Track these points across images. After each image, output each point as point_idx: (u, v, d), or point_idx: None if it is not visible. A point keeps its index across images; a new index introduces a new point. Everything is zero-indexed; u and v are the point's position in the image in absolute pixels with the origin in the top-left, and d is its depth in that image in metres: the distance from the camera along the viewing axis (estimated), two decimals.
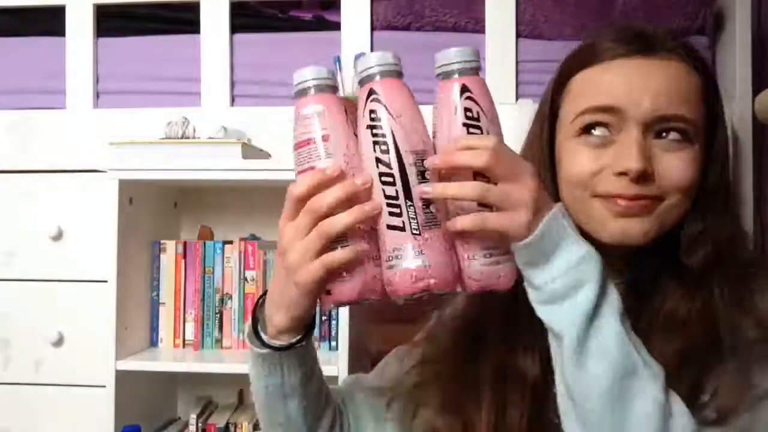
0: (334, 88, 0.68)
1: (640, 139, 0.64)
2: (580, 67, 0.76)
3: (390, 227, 0.61)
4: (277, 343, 0.72)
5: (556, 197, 0.69)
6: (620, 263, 0.68)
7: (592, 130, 0.68)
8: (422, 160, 0.63)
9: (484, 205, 0.59)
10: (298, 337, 0.71)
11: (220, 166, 1.27)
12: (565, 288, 0.57)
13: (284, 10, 1.50)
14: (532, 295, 0.60)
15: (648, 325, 0.64)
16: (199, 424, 1.36)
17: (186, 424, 1.43)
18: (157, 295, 1.40)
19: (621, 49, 0.69)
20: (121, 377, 1.26)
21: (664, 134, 0.66)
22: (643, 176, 0.63)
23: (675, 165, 0.65)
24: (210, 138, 1.32)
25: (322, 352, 1.35)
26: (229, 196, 1.53)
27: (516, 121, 1.41)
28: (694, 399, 0.60)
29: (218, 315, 1.39)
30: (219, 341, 1.40)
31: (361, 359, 1.41)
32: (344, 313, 1.23)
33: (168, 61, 1.48)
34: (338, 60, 1.39)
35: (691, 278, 0.66)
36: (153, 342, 1.40)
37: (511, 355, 0.70)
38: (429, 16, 1.43)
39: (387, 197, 0.61)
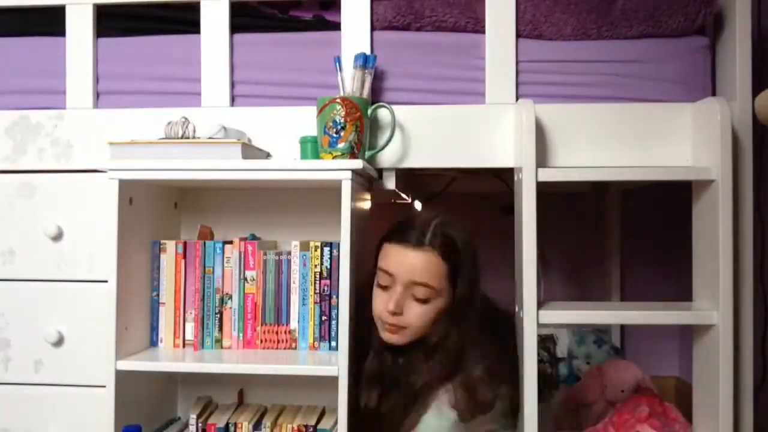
0: None
1: (400, 292, 1.23)
2: (387, 240, 1.29)
3: None
4: None
5: (371, 321, 1.30)
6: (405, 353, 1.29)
7: (383, 283, 1.26)
8: None
9: None
10: None
11: (220, 166, 1.27)
12: None
13: (284, 10, 1.50)
14: None
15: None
16: (199, 424, 1.36)
17: (186, 424, 1.43)
18: (157, 295, 1.40)
19: (403, 239, 1.25)
20: (121, 377, 1.26)
21: (417, 293, 1.23)
22: (395, 313, 1.23)
23: (415, 311, 1.24)
24: (210, 138, 1.32)
25: (322, 352, 1.35)
26: (229, 196, 1.53)
27: (516, 121, 1.43)
28: None
29: (218, 315, 1.39)
30: (219, 341, 1.40)
31: (361, 359, 1.42)
32: (344, 313, 1.23)
33: (168, 61, 1.48)
34: (338, 60, 1.39)
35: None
36: (153, 342, 1.40)
37: None
38: (429, 16, 1.43)
39: None
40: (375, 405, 1.28)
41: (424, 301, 1.23)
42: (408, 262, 1.23)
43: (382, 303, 1.25)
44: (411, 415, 1.21)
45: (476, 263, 1.30)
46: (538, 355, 1.27)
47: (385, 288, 1.26)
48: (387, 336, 1.26)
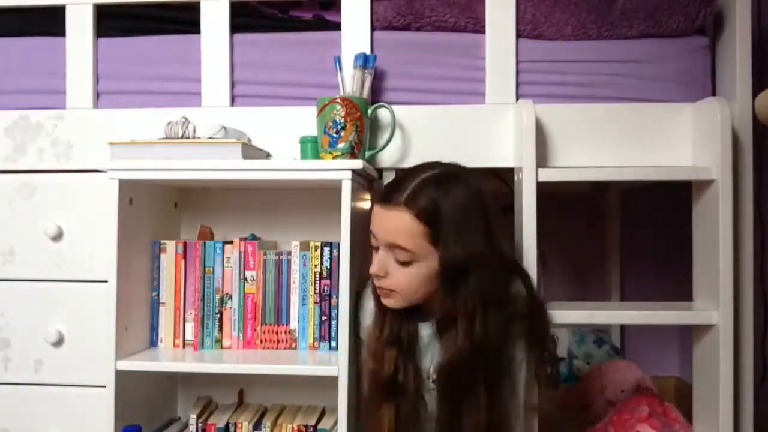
0: None
1: (383, 254, 1.15)
2: (373, 200, 1.28)
3: None
4: None
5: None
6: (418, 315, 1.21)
7: (372, 243, 1.17)
8: None
9: None
10: None
11: (220, 166, 1.27)
12: None
13: (284, 10, 1.50)
14: None
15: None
16: (199, 424, 1.36)
17: (186, 424, 1.43)
18: (157, 295, 1.40)
19: (378, 198, 1.17)
20: (121, 377, 1.26)
21: (396, 256, 1.12)
22: (378, 276, 1.15)
23: (399, 275, 1.14)
24: (210, 138, 1.32)
25: (322, 352, 1.35)
26: (229, 196, 1.53)
27: (516, 121, 1.42)
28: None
29: (218, 315, 1.39)
30: (219, 341, 1.40)
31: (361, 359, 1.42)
32: (344, 313, 1.23)
33: (168, 61, 1.48)
34: (338, 60, 1.39)
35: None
36: (153, 342, 1.40)
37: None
38: (429, 16, 1.43)
39: None
40: (391, 372, 1.17)
41: (405, 263, 1.12)
42: (383, 223, 1.13)
43: (370, 264, 1.17)
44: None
45: (477, 224, 1.12)
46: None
47: (376, 249, 1.17)
48: (383, 300, 1.18)
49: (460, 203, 1.11)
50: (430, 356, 1.21)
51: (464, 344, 1.11)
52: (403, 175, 1.18)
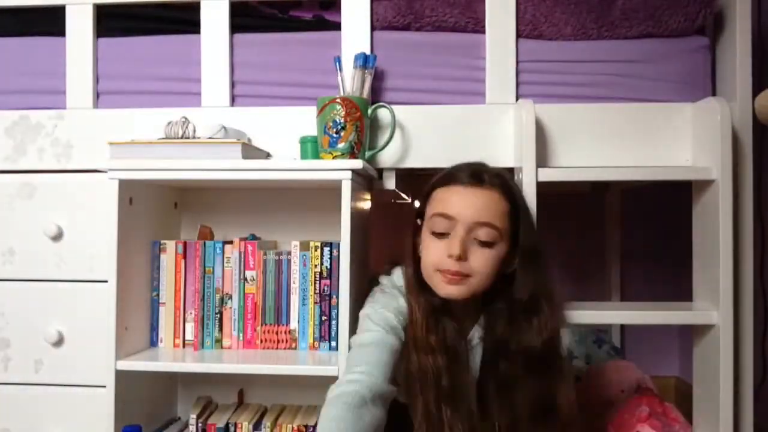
0: None
1: (463, 236, 1.10)
2: (439, 185, 1.17)
3: None
4: None
5: (418, 271, 1.16)
6: (472, 311, 1.20)
7: (439, 229, 1.13)
8: None
9: None
10: None
11: (220, 166, 1.27)
12: None
13: (284, 10, 1.50)
14: None
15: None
16: (199, 424, 1.36)
17: (186, 424, 1.43)
18: (157, 295, 1.40)
19: (460, 179, 1.14)
20: (121, 377, 1.26)
21: (480, 236, 1.10)
22: (460, 258, 1.09)
23: (480, 257, 1.11)
24: (210, 138, 1.32)
25: (322, 352, 1.36)
26: (229, 196, 1.53)
27: (516, 121, 1.42)
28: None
29: (218, 315, 1.39)
30: (219, 341, 1.40)
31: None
32: (344, 313, 1.23)
33: (168, 61, 1.48)
34: (338, 60, 1.39)
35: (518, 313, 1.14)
36: (153, 342, 1.40)
37: None
38: (429, 16, 1.43)
39: None
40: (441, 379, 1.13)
41: (488, 244, 1.11)
42: (472, 203, 1.11)
43: (439, 251, 1.12)
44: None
45: (530, 216, 1.19)
46: None
47: (441, 235, 1.12)
48: (447, 289, 1.12)
49: (521, 192, 1.21)
50: (476, 359, 1.19)
51: (552, 325, 1.15)
52: (460, 167, 1.19)
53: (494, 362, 1.16)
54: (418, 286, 1.16)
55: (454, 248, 1.09)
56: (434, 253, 1.13)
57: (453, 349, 1.15)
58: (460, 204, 1.12)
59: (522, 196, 1.18)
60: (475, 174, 1.14)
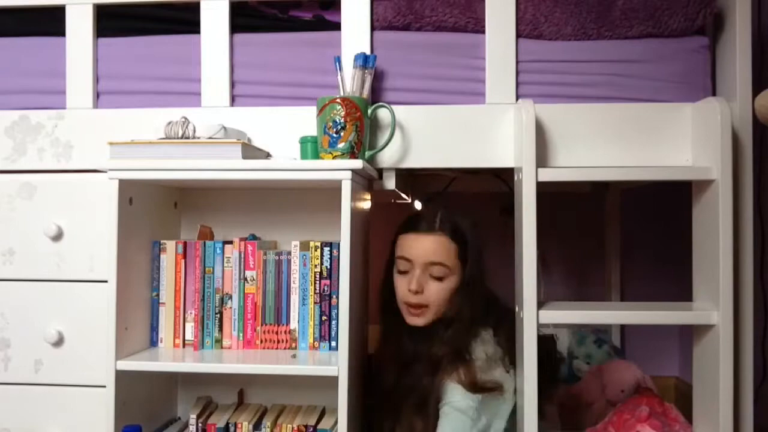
0: None
1: (419, 274, 1.38)
2: (401, 232, 1.45)
3: None
4: None
5: (393, 303, 1.45)
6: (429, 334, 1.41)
7: (402, 268, 1.41)
8: None
9: None
10: None
11: (220, 166, 1.27)
12: None
13: (284, 10, 1.50)
14: None
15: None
16: (199, 424, 1.36)
17: (186, 424, 1.43)
18: (157, 295, 1.40)
19: (415, 227, 1.42)
20: (121, 377, 1.26)
21: (433, 272, 1.38)
22: (417, 292, 1.38)
23: (434, 289, 1.38)
24: (210, 138, 1.32)
25: (322, 352, 1.36)
26: (229, 196, 1.53)
27: (516, 121, 1.42)
28: None
29: (218, 315, 1.39)
30: (219, 341, 1.40)
31: (361, 359, 1.42)
32: (344, 313, 1.23)
33: (168, 61, 1.48)
34: (338, 60, 1.39)
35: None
36: (153, 342, 1.40)
37: None
38: (429, 16, 1.43)
39: None
40: (392, 384, 1.43)
41: (440, 278, 1.38)
42: (423, 246, 1.39)
43: (404, 286, 1.40)
44: (432, 387, 1.36)
45: (480, 247, 1.43)
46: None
47: (404, 273, 1.41)
48: (412, 320, 1.40)
49: (471, 229, 1.44)
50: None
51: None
52: (419, 212, 1.51)
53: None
54: (392, 310, 1.45)
55: (412, 284, 1.38)
56: (400, 288, 1.41)
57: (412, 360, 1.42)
58: (416, 248, 1.39)
59: (471, 231, 1.43)
60: (427, 222, 1.41)
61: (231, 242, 1.40)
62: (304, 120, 1.42)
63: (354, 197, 1.27)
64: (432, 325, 1.40)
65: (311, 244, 1.37)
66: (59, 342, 1.42)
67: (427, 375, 1.37)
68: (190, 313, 1.40)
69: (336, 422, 1.26)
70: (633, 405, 1.43)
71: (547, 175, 1.31)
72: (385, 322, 1.49)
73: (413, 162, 1.43)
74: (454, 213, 1.44)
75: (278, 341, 1.38)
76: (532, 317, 1.28)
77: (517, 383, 1.34)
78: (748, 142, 1.36)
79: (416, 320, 1.40)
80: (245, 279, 1.39)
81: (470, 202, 2.00)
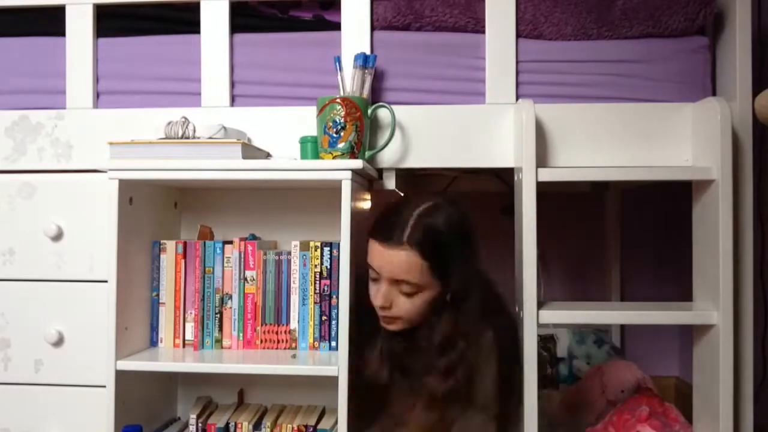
0: None
1: (386, 288, 1.22)
2: (370, 236, 1.25)
3: None
4: None
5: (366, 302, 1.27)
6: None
7: (372, 276, 1.25)
8: None
9: None
10: None
11: (220, 166, 1.27)
12: None
13: (284, 10, 1.50)
14: None
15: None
16: (199, 424, 1.36)
17: (186, 424, 1.43)
18: (157, 295, 1.40)
19: (379, 236, 1.22)
20: (121, 377, 1.26)
21: (401, 288, 1.21)
22: (384, 307, 1.23)
23: (403, 305, 1.22)
24: (210, 138, 1.32)
25: (322, 352, 1.36)
26: (229, 196, 1.53)
27: (516, 121, 1.42)
28: None
29: (218, 315, 1.39)
30: (219, 341, 1.40)
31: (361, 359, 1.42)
32: (344, 313, 1.23)
33: (168, 61, 1.48)
34: (338, 60, 1.39)
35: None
36: (153, 342, 1.40)
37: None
38: (429, 16, 1.43)
39: None
40: (384, 382, 1.29)
41: (410, 294, 1.21)
42: (388, 261, 1.20)
43: (374, 295, 1.25)
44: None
45: (469, 250, 1.25)
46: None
47: (375, 280, 1.25)
48: (385, 325, 1.26)
49: (457, 233, 1.23)
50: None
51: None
52: (395, 211, 1.24)
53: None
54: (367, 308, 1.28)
55: (378, 299, 1.23)
56: (371, 295, 1.26)
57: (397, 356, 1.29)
58: (380, 261, 1.22)
59: (445, 242, 1.20)
60: (395, 232, 1.19)
61: (231, 242, 1.40)
62: (304, 120, 1.42)
63: (354, 197, 1.27)
64: (412, 332, 1.27)
65: (311, 244, 1.37)
66: (59, 342, 1.42)
67: (412, 381, 1.26)
68: (190, 313, 1.40)
69: (336, 422, 1.26)
70: (633, 405, 1.43)
71: (547, 175, 1.31)
72: (359, 321, 1.30)
73: (413, 162, 1.43)
74: (433, 213, 1.22)
75: (278, 341, 1.38)
76: (532, 317, 1.28)
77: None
78: (748, 142, 1.36)
79: (390, 327, 1.26)
80: (245, 279, 1.39)
81: (470, 202, 2.00)
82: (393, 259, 1.19)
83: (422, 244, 1.18)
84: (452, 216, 1.23)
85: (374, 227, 1.25)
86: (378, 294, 1.23)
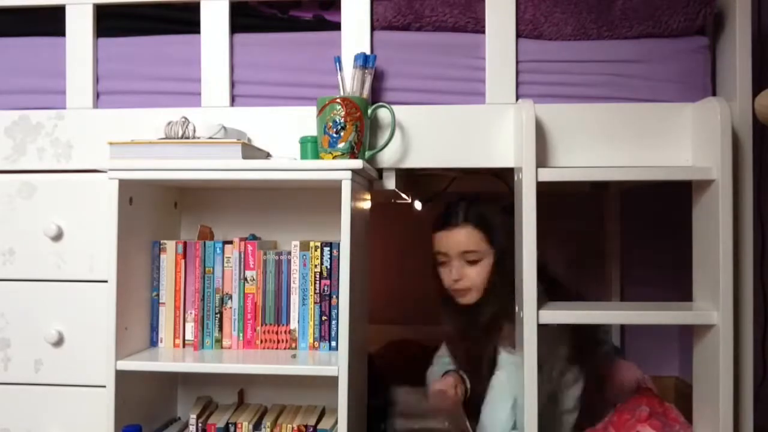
0: None
1: (456, 263, 1.58)
2: (434, 231, 1.64)
3: None
4: None
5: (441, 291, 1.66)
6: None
7: (442, 260, 1.63)
8: None
9: None
10: None
11: (220, 166, 1.27)
12: None
13: (284, 10, 1.50)
14: None
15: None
16: (199, 424, 1.36)
17: (186, 424, 1.43)
18: (157, 295, 1.40)
19: (445, 225, 1.61)
20: (121, 377, 1.26)
21: (467, 258, 1.57)
22: (456, 280, 1.58)
23: (471, 273, 1.58)
24: (210, 138, 1.32)
25: (322, 352, 1.36)
26: (229, 196, 1.53)
27: (516, 121, 1.42)
28: None
29: (218, 315, 1.39)
30: (219, 341, 1.40)
31: (361, 359, 1.42)
32: (344, 313, 1.23)
33: (168, 61, 1.48)
34: (338, 60, 1.39)
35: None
36: (153, 342, 1.40)
37: None
38: (429, 16, 1.43)
39: None
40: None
41: (474, 262, 1.57)
42: (454, 240, 1.58)
43: (447, 276, 1.60)
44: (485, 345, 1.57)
45: (509, 226, 1.44)
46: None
47: (444, 264, 1.61)
48: (462, 300, 1.60)
49: (494, 212, 1.59)
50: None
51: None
52: (446, 207, 1.63)
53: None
54: (443, 297, 1.65)
55: (453, 274, 1.58)
56: (445, 279, 1.62)
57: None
58: (448, 243, 1.59)
59: (493, 214, 1.59)
60: (453, 218, 1.59)
61: (231, 242, 1.40)
62: (304, 120, 1.42)
63: (354, 197, 1.27)
64: (480, 301, 1.58)
65: (311, 244, 1.37)
66: (59, 342, 1.42)
67: (484, 342, 1.56)
68: (190, 313, 1.40)
69: (336, 422, 1.26)
70: (633, 405, 1.43)
71: (547, 175, 1.31)
72: (443, 305, 1.67)
73: (413, 162, 1.43)
74: (475, 204, 1.60)
75: (278, 341, 1.38)
76: (532, 317, 1.28)
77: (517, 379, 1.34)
78: (748, 142, 1.36)
79: (464, 300, 1.59)
80: (245, 279, 1.39)
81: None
82: (457, 237, 1.58)
83: (475, 221, 1.58)
84: (486, 202, 1.62)
85: (435, 224, 1.63)
86: (452, 270, 1.58)
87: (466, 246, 1.57)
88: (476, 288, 1.58)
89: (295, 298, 1.38)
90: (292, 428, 1.34)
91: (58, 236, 1.43)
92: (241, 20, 1.47)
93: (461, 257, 1.58)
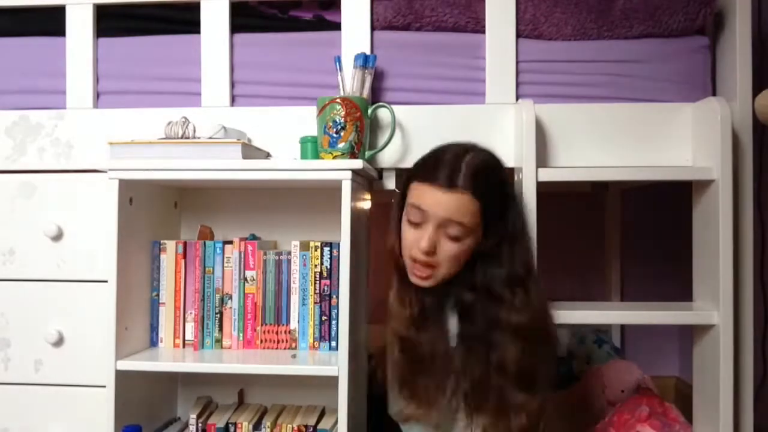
0: None
1: (432, 232, 1.16)
2: (415, 178, 1.20)
3: None
4: None
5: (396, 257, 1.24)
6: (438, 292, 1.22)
7: (414, 220, 1.18)
8: None
9: None
10: None
11: (220, 166, 1.27)
12: None
13: (284, 10, 1.50)
14: None
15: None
16: (199, 424, 1.36)
17: (186, 424, 1.43)
18: (157, 295, 1.40)
19: (436, 180, 1.16)
20: (121, 377, 1.26)
21: (449, 231, 1.16)
22: (428, 252, 1.16)
23: (447, 249, 1.16)
24: (210, 138, 1.32)
25: (322, 352, 1.36)
26: (229, 196, 1.53)
27: (516, 121, 1.42)
28: None
29: (218, 315, 1.39)
30: (219, 341, 1.40)
31: (361, 359, 1.42)
32: (344, 313, 1.23)
33: (168, 61, 1.48)
34: (338, 60, 1.39)
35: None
36: (153, 342, 1.40)
37: None
38: (429, 16, 1.43)
39: None
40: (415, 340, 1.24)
41: (456, 239, 1.17)
42: (445, 203, 1.16)
43: (413, 241, 1.18)
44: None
45: (512, 191, 1.24)
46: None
47: (416, 225, 1.19)
48: (416, 281, 1.20)
49: (501, 183, 1.21)
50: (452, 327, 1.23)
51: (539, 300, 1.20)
52: (442, 155, 1.20)
53: (475, 331, 1.20)
54: (399, 266, 1.24)
55: (424, 243, 1.16)
56: (408, 241, 1.19)
57: (427, 320, 1.23)
58: (433, 202, 1.16)
59: (496, 189, 1.20)
60: (450, 177, 1.16)
61: (231, 242, 1.40)
62: (304, 120, 1.42)
63: (354, 197, 1.27)
64: (436, 288, 1.22)
65: (311, 244, 1.37)
66: (59, 342, 1.42)
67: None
68: (190, 313, 1.40)
69: (336, 422, 1.26)
70: (633, 405, 1.43)
71: (547, 175, 1.31)
72: (400, 280, 1.27)
73: (413, 162, 1.43)
74: (479, 158, 1.19)
75: (278, 341, 1.38)
76: None
77: None
78: (748, 142, 1.36)
79: (422, 282, 1.20)
80: (245, 279, 1.39)
81: None
82: (451, 202, 1.15)
83: (475, 187, 1.16)
84: (498, 169, 1.23)
85: (419, 170, 1.21)
86: (423, 238, 1.16)
87: (456, 215, 1.16)
88: (443, 269, 1.19)
89: (295, 298, 1.38)
90: (292, 428, 1.34)
91: (58, 236, 1.43)
92: (241, 20, 1.47)
93: (442, 226, 1.17)
